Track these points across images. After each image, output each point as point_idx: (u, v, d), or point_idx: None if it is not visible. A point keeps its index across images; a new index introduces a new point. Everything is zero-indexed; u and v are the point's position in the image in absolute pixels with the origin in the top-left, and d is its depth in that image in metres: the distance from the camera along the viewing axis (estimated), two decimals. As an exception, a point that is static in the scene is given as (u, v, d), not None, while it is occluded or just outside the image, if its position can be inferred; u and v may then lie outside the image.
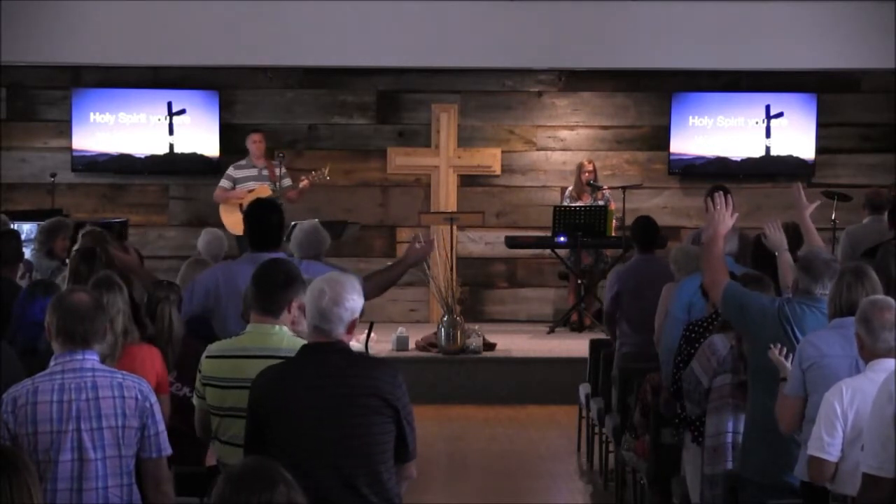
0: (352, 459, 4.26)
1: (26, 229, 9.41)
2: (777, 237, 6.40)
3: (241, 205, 11.83)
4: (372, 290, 6.37)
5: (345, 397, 4.28)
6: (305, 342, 4.55)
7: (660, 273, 8.00)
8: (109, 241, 7.34)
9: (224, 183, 12.00)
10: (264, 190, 11.76)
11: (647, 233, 8.53)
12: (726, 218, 5.79)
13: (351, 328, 4.38)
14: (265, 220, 6.27)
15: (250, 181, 11.90)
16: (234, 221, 11.82)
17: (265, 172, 11.93)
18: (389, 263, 7.13)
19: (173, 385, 5.78)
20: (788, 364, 5.25)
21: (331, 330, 4.34)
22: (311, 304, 4.35)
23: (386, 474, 4.33)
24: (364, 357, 4.59)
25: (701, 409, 6.05)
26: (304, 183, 11.82)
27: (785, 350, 5.32)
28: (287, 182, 11.88)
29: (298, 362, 4.40)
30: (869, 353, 4.77)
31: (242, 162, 12.07)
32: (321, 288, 4.35)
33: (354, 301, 4.37)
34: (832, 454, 4.70)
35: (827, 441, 4.70)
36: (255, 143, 12.07)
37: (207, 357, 4.93)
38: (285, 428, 4.26)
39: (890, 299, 4.83)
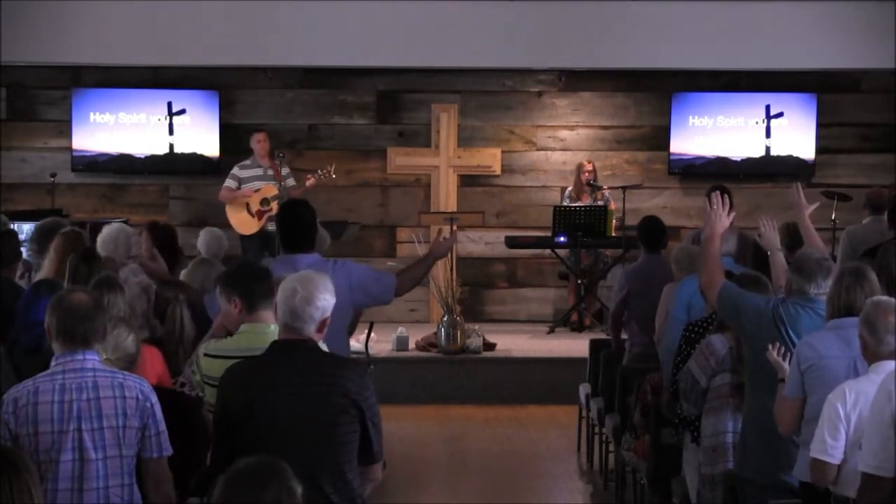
0: (316, 458, 4.26)
1: (26, 229, 9.41)
2: (771, 235, 6.39)
3: (247, 204, 11.83)
4: (406, 284, 6.37)
5: (311, 396, 4.29)
6: None
7: (667, 273, 8.01)
8: (86, 241, 7.34)
9: (229, 183, 11.99)
10: (270, 189, 11.75)
11: (653, 233, 8.53)
12: (723, 218, 5.79)
13: (322, 327, 4.39)
14: (299, 221, 6.23)
15: (255, 181, 11.88)
16: (240, 221, 11.83)
17: (270, 172, 11.93)
18: (392, 264, 7.13)
19: (185, 385, 5.77)
20: (786, 365, 5.25)
21: (301, 328, 4.35)
22: (283, 303, 4.36)
23: (350, 474, 4.33)
24: (332, 356, 4.58)
25: (697, 408, 6.06)
26: (310, 182, 11.83)
27: (783, 350, 5.33)
28: (291, 181, 11.89)
29: (267, 359, 4.41)
30: (872, 354, 4.77)
31: (247, 162, 12.06)
32: (293, 287, 4.36)
33: (326, 300, 4.38)
34: (835, 457, 4.69)
35: (830, 444, 4.69)
36: (259, 142, 12.06)
37: (206, 356, 4.94)
38: (251, 424, 4.27)
39: (893, 301, 4.83)
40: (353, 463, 4.34)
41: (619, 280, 8.71)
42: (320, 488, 4.25)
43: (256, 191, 11.76)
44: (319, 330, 4.38)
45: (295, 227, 6.22)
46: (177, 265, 7.97)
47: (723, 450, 5.92)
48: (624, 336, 8.61)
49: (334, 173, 11.89)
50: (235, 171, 12.02)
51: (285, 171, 11.93)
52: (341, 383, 4.31)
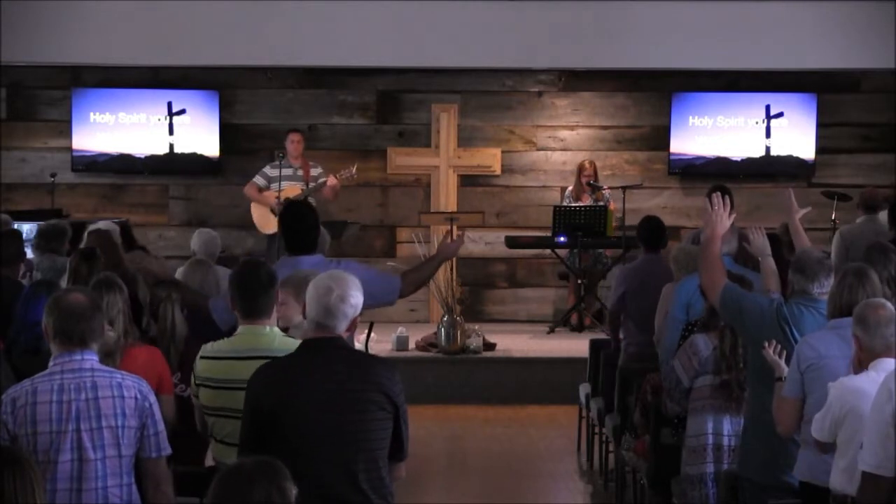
0: (353, 454, 4.27)
1: (27, 229, 9.41)
2: (760, 242, 6.39)
3: (272, 209, 11.76)
4: (410, 286, 6.32)
5: (349, 392, 4.29)
6: (297, 341, 4.57)
7: (666, 273, 8.01)
8: (116, 242, 7.35)
9: (257, 180, 12.02)
10: (293, 189, 11.74)
11: (653, 233, 8.54)
12: (723, 219, 5.79)
13: (352, 326, 4.40)
14: (300, 223, 6.24)
15: (284, 180, 11.88)
16: (262, 220, 11.86)
17: (300, 173, 11.94)
18: (392, 264, 7.10)
19: (177, 386, 5.77)
20: (783, 363, 5.27)
21: (334, 326, 4.36)
22: (316, 301, 4.36)
23: (384, 471, 4.35)
24: (364, 353, 4.63)
25: (681, 407, 6.10)
26: (331, 181, 11.85)
27: (779, 347, 5.34)
28: (322, 181, 11.91)
29: (300, 357, 4.41)
30: (868, 352, 4.77)
31: (279, 161, 12.07)
32: (328, 285, 4.36)
33: (357, 298, 4.40)
34: (819, 432, 4.82)
35: (818, 417, 4.86)
36: (293, 142, 12.07)
37: (202, 358, 4.95)
38: (288, 422, 4.26)
39: (883, 299, 4.87)
40: (385, 460, 4.36)
41: (616, 278, 8.71)
42: (357, 485, 4.26)
43: (280, 191, 11.75)
44: (349, 329, 4.40)
45: (297, 229, 6.23)
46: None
47: (702, 451, 5.96)
48: (621, 335, 8.62)
49: (356, 173, 11.92)
50: (266, 169, 12.06)
51: (316, 171, 11.97)
52: (376, 380, 4.33)
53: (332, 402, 4.27)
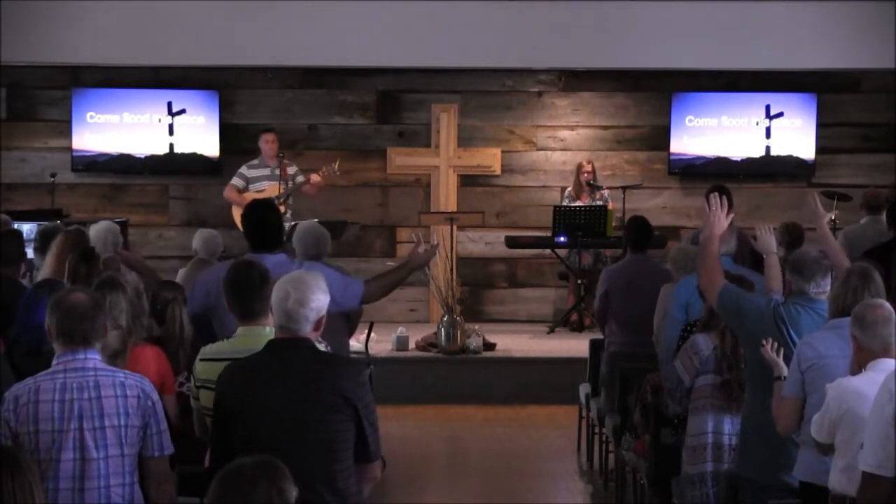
0: (308, 455, 4.26)
1: (27, 229, 9.41)
2: (767, 240, 6.39)
3: None
4: (375, 292, 6.38)
5: (304, 392, 4.30)
6: None
7: (650, 273, 8.02)
8: (88, 241, 7.36)
9: (236, 182, 12.00)
10: (274, 190, 11.75)
11: (640, 233, 8.54)
12: (722, 219, 5.80)
13: (318, 326, 4.42)
14: (264, 220, 6.29)
15: (263, 181, 11.88)
16: None
17: (277, 172, 11.93)
18: (392, 265, 7.09)
19: (184, 385, 5.77)
20: (782, 361, 5.27)
21: (298, 329, 4.39)
22: (277, 306, 4.39)
23: (343, 473, 4.33)
24: (328, 354, 4.62)
25: (682, 407, 6.11)
26: (314, 178, 11.85)
27: (776, 345, 5.34)
28: (301, 179, 11.91)
29: (262, 358, 4.44)
30: (866, 353, 4.77)
31: (255, 161, 12.06)
32: (286, 290, 4.39)
33: (320, 300, 4.40)
34: (819, 431, 4.81)
35: (816, 418, 4.84)
36: (267, 142, 12.06)
37: (202, 360, 4.95)
38: (248, 422, 4.29)
39: (881, 300, 4.87)
40: (347, 462, 4.34)
41: (600, 278, 8.72)
42: (312, 486, 4.24)
43: (261, 192, 11.74)
44: (316, 329, 4.41)
45: (260, 227, 6.28)
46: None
47: (703, 450, 5.97)
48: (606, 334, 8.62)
49: (339, 169, 11.91)
50: (243, 170, 12.04)
51: (293, 169, 11.97)
52: (335, 381, 4.33)
53: (291, 402, 4.28)
